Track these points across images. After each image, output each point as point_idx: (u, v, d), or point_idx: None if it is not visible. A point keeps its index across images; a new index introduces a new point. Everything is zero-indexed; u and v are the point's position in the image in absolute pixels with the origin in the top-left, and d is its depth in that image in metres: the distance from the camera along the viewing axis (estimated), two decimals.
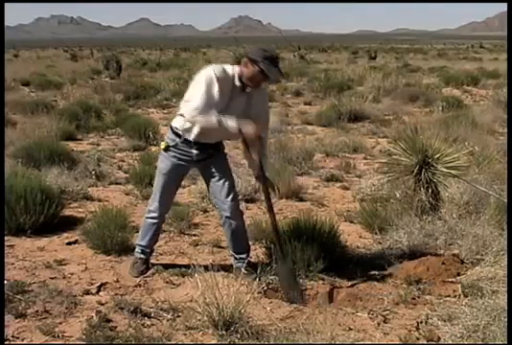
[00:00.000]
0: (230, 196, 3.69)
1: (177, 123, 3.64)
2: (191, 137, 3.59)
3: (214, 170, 3.71)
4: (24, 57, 42.02)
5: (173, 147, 3.66)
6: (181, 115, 3.59)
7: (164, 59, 29.88)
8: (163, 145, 3.71)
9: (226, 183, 3.70)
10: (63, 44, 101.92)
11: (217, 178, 3.70)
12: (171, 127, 3.71)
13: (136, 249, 3.89)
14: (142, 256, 3.87)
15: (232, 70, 3.52)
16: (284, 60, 28.85)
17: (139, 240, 3.89)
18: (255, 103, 3.60)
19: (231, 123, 3.37)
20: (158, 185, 3.74)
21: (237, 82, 3.51)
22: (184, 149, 3.65)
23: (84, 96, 12.94)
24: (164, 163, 3.71)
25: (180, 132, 3.61)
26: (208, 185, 3.80)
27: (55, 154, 6.46)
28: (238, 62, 3.58)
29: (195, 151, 3.64)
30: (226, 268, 3.80)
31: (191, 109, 3.43)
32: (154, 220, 3.80)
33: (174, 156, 3.67)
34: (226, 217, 3.71)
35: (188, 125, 3.56)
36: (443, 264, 3.74)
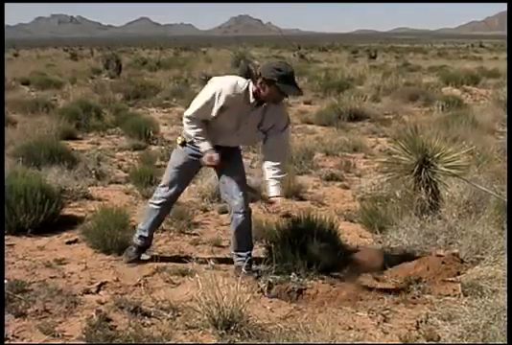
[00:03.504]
0: (241, 192, 3.72)
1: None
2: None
3: (228, 165, 3.73)
4: (24, 57, 41.96)
5: (189, 143, 3.71)
6: None
7: (164, 59, 29.89)
8: (179, 140, 3.77)
9: (238, 179, 3.74)
10: (63, 43, 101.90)
11: (229, 174, 3.74)
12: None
13: (135, 233, 4.00)
14: (139, 241, 3.95)
15: (245, 85, 3.51)
16: (284, 60, 28.85)
17: (141, 224, 3.99)
18: (268, 117, 3.61)
19: (202, 146, 3.58)
20: (168, 177, 3.82)
21: (251, 99, 3.51)
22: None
23: (84, 95, 12.92)
24: (177, 157, 3.79)
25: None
26: (220, 180, 3.84)
27: (55, 154, 6.45)
28: (253, 80, 3.50)
29: None
30: (226, 268, 3.81)
31: (184, 115, 3.61)
32: (157, 207, 3.89)
33: (190, 152, 3.73)
34: (235, 211, 3.72)
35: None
36: (443, 263, 3.74)
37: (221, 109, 3.48)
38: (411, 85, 15.81)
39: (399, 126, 9.54)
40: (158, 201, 3.87)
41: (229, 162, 3.73)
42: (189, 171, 3.83)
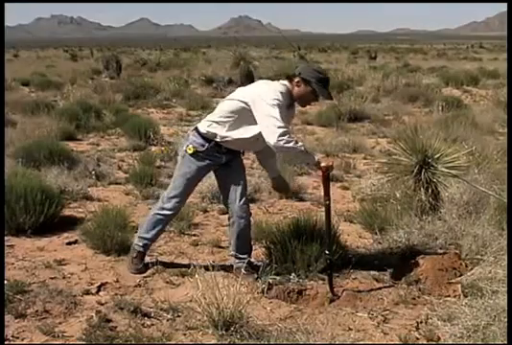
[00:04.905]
0: (244, 197, 3.73)
1: (212, 129, 3.61)
2: (225, 143, 3.61)
3: (231, 170, 3.74)
4: (24, 57, 42.00)
5: (201, 152, 3.63)
6: (216, 122, 3.60)
7: (164, 59, 29.84)
8: (191, 149, 3.63)
9: (241, 184, 3.74)
10: (63, 44, 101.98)
11: (233, 179, 3.74)
12: (198, 132, 3.65)
13: (137, 242, 3.84)
14: (141, 249, 3.84)
15: (286, 87, 3.56)
16: (284, 60, 28.87)
17: (143, 232, 3.83)
18: (291, 115, 3.74)
19: (313, 156, 3.51)
20: (180, 187, 3.71)
21: (288, 99, 3.56)
22: (213, 154, 3.65)
23: (84, 96, 12.93)
24: (189, 167, 3.67)
25: (212, 138, 3.61)
26: (221, 184, 3.82)
27: (55, 154, 6.46)
28: (287, 78, 3.59)
29: (224, 156, 3.67)
30: (226, 268, 3.81)
31: (278, 131, 3.34)
32: (165, 217, 3.80)
33: (204, 162, 3.66)
34: (237, 216, 3.72)
35: (227, 132, 3.57)
36: (443, 264, 3.74)
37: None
38: (411, 86, 15.81)
39: (399, 126, 9.55)
40: (169, 212, 3.76)
41: (231, 167, 3.73)
42: (200, 178, 3.82)
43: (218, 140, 3.59)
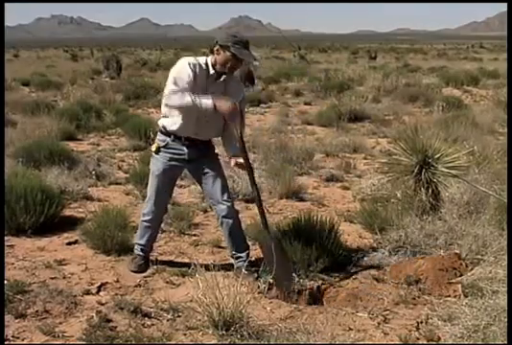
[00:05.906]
0: (225, 196, 3.72)
1: (162, 122, 3.70)
2: (178, 131, 3.62)
3: (206, 170, 3.73)
4: (24, 57, 42.03)
5: (163, 147, 3.69)
6: (164, 116, 3.68)
7: (164, 59, 29.86)
8: (154, 147, 3.73)
9: (220, 183, 3.72)
10: (63, 44, 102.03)
11: (210, 179, 3.72)
12: (159, 130, 3.74)
13: (135, 247, 3.95)
14: (141, 253, 3.92)
15: (205, 60, 3.58)
16: (284, 60, 28.91)
17: (137, 239, 3.94)
18: (229, 90, 3.65)
19: (205, 100, 3.42)
20: (152, 188, 3.76)
21: (211, 71, 3.56)
22: (176, 148, 3.67)
23: (84, 96, 12.92)
24: (156, 165, 3.73)
25: (168, 130, 3.65)
26: (202, 186, 3.83)
27: (55, 154, 6.46)
28: (211, 52, 3.64)
29: (186, 149, 3.66)
30: (227, 268, 3.81)
31: (166, 93, 3.49)
32: (149, 223, 3.84)
33: (166, 157, 3.69)
34: (223, 216, 3.73)
35: (171, 119, 3.62)
36: (443, 264, 3.73)
37: (190, 85, 3.46)
38: (411, 86, 15.80)
39: (399, 126, 9.54)
40: (148, 217, 3.81)
41: (204, 167, 3.72)
42: (171, 176, 3.78)
43: (169, 130, 3.63)
